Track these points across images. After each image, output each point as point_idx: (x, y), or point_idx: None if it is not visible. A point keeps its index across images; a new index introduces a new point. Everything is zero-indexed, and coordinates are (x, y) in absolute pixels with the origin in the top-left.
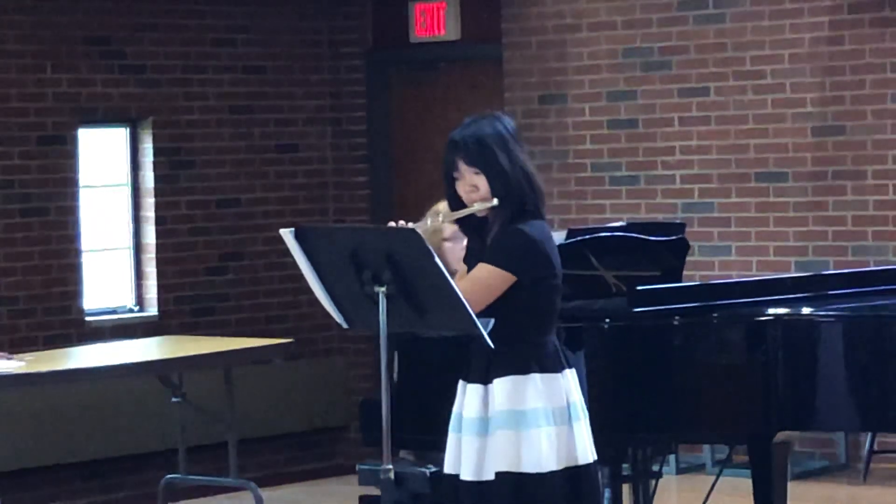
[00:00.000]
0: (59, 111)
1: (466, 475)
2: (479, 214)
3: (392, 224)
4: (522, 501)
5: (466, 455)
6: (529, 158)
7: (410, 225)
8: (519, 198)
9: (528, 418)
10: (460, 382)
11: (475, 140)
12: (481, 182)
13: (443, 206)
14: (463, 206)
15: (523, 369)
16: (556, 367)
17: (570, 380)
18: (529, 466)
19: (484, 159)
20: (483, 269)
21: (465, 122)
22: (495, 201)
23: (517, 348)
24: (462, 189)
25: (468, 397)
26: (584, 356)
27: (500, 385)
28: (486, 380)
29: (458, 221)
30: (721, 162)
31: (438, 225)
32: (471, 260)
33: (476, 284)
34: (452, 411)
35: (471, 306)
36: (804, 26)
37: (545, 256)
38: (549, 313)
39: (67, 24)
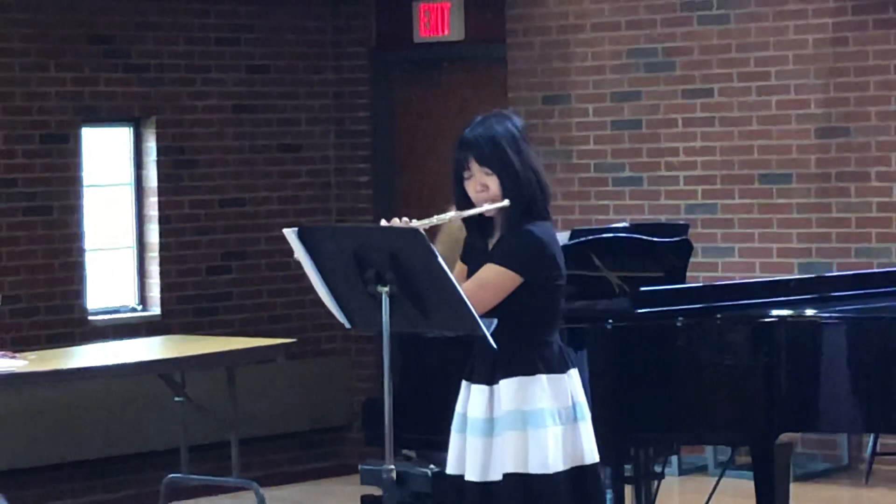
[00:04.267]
0: (63, 110)
1: (472, 476)
2: (487, 214)
3: (396, 220)
4: (530, 503)
5: (471, 456)
6: (537, 156)
7: (414, 223)
8: (529, 198)
9: (535, 418)
10: (463, 382)
11: (488, 140)
12: (492, 182)
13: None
14: (471, 205)
15: (530, 370)
16: (562, 368)
17: (574, 380)
18: (537, 467)
19: (497, 160)
20: (491, 270)
21: (476, 121)
22: (506, 202)
23: (523, 349)
24: (471, 188)
25: (473, 398)
26: (587, 357)
27: (507, 385)
28: (491, 380)
29: (464, 220)
30: (725, 163)
31: (445, 222)
32: (470, 258)
33: (484, 285)
34: (455, 411)
35: (479, 307)
36: (808, 28)
37: (552, 258)
38: (554, 314)
39: (71, 23)
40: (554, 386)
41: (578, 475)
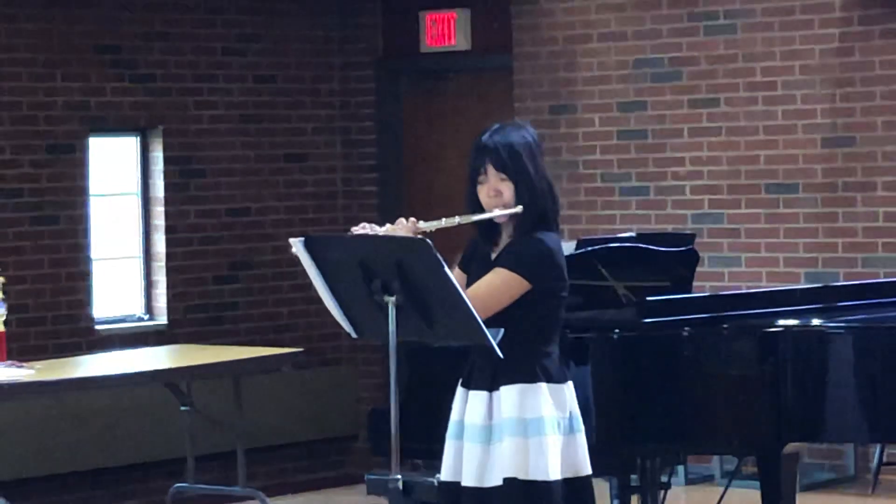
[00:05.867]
0: (70, 120)
1: (469, 482)
2: (497, 220)
3: (402, 220)
4: None
5: (469, 462)
6: (549, 169)
7: (421, 224)
8: (541, 207)
9: (536, 426)
10: (459, 389)
11: (506, 146)
12: (506, 188)
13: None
14: (481, 209)
15: (531, 378)
16: (561, 378)
17: (571, 391)
18: (537, 474)
19: (513, 166)
20: (501, 274)
21: (493, 128)
22: (519, 208)
23: (525, 357)
24: (484, 193)
25: (471, 404)
26: (593, 367)
27: (508, 392)
28: (491, 387)
29: (474, 225)
30: (731, 173)
31: (454, 226)
32: (470, 266)
33: (493, 288)
34: (451, 418)
35: (485, 311)
36: (814, 38)
37: (559, 268)
38: (555, 324)
39: (78, 33)
40: (555, 395)
41: (575, 486)
